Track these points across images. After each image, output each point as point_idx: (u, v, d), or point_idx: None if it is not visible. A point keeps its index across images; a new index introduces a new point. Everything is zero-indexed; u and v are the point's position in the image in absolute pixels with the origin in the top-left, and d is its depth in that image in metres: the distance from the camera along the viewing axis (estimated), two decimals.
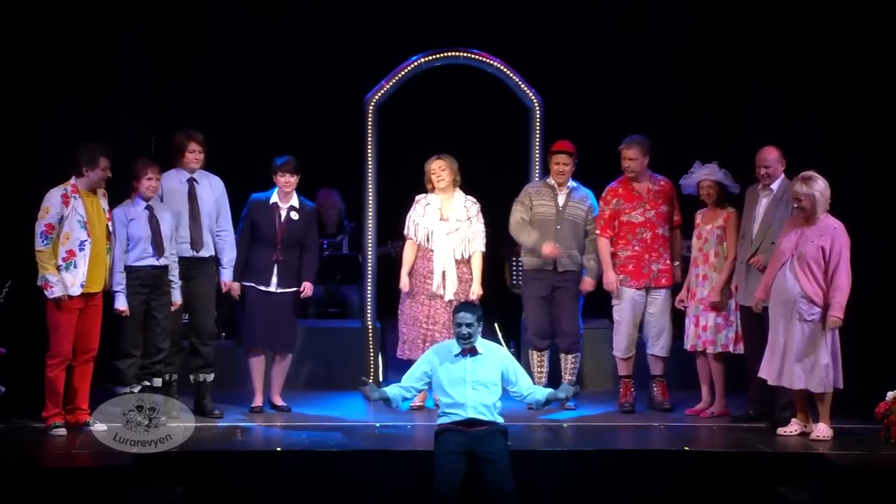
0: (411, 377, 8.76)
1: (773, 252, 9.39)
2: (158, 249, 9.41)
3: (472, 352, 8.60)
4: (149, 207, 9.42)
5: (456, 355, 8.61)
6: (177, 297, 9.57)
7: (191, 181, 9.77)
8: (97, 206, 9.22)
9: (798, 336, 9.13)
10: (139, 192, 9.41)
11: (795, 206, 9.21)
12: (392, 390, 8.74)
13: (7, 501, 8.18)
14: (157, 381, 9.53)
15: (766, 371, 9.31)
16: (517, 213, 10.25)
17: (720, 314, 9.91)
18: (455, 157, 10.23)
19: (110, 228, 9.28)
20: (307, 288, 10.03)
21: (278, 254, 9.92)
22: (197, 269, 9.76)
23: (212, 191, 9.84)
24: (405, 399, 8.82)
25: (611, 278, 10.17)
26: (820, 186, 9.18)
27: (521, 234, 10.22)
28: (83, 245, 9.11)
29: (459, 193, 10.20)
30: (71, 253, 9.09)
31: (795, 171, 9.49)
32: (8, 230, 9.78)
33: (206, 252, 9.78)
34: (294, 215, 9.96)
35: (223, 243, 9.85)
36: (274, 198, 9.98)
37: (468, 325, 8.56)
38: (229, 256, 9.86)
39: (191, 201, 9.72)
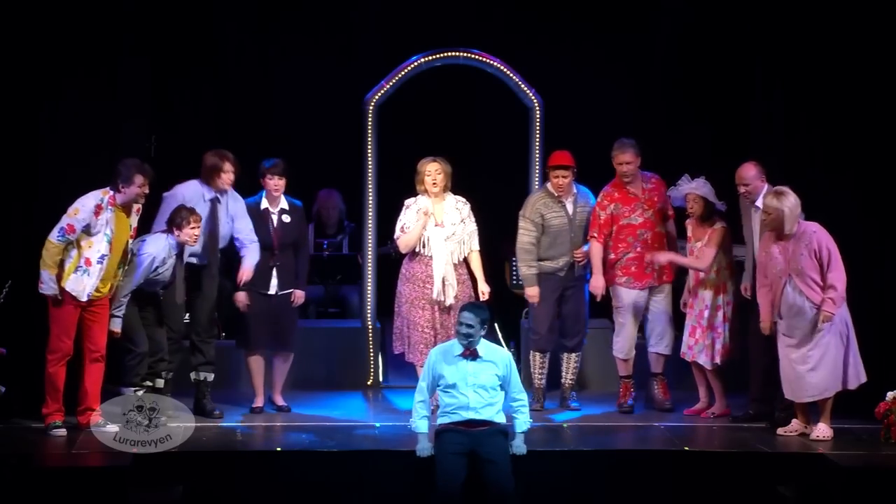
0: (423, 394, 8.66)
1: (760, 270, 9.36)
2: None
3: (473, 354, 8.59)
4: (180, 254, 9.46)
5: (456, 356, 8.60)
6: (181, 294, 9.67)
7: (214, 200, 9.73)
8: (125, 224, 9.19)
9: (822, 345, 9.14)
10: (180, 239, 9.39)
11: (762, 218, 9.24)
12: (423, 424, 8.62)
13: (7, 501, 8.18)
14: (160, 382, 9.54)
15: (796, 392, 9.26)
16: (527, 235, 10.13)
17: (715, 330, 9.89)
18: (455, 157, 10.21)
19: (131, 246, 9.25)
20: (298, 297, 10.05)
21: (276, 258, 9.93)
22: (196, 272, 9.78)
23: (232, 212, 9.81)
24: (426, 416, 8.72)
25: (599, 283, 10.13)
26: (790, 203, 9.15)
27: (523, 259, 10.13)
28: (102, 259, 9.07)
29: (450, 195, 10.13)
30: (88, 261, 9.05)
31: (796, 176, 9.49)
32: (8, 231, 9.78)
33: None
34: (286, 218, 9.97)
35: (251, 247, 9.84)
36: (263, 203, 9.98)
37: (469, 326, 8.53)
38: (252, 261, 9.82)
39: (212, 221, 9.68)
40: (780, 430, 9.42)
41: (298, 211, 10.08)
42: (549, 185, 10.22)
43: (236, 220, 9.84)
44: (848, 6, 10.57)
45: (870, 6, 10.53)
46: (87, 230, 9.02)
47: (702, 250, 9.87)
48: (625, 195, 10.17)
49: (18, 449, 8.77)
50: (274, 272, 9.94)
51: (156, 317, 9.52)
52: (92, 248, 9.06)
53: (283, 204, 10.01)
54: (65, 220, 9.01)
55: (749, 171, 9.67)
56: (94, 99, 10.31)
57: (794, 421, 9.41)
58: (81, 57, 10.26)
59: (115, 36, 10.41)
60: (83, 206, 9.03)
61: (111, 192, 9.11)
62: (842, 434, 9.29)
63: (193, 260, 9.71)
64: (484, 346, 8.62)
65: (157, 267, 9.33)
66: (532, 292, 10.12)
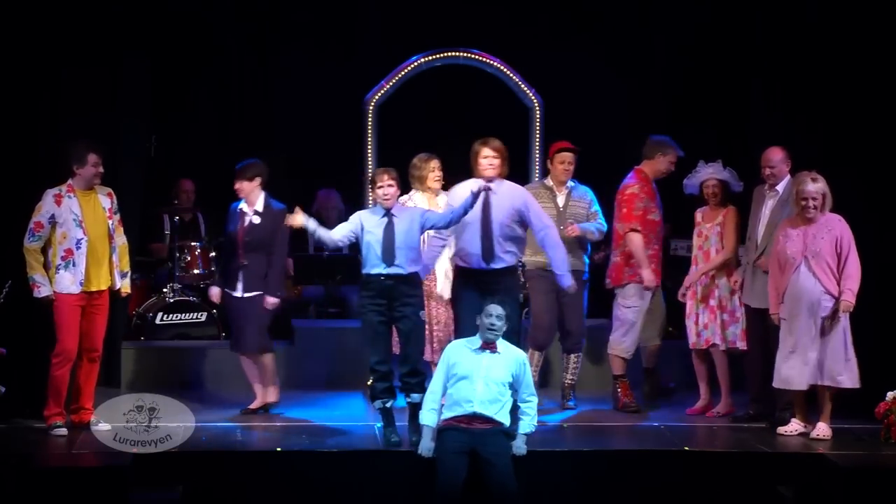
0: (436, 387, 8.63)
1: (774, 257, 9.37)
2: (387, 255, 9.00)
3: (493, 348, 8.59)
4: (388, 215, 9.07)
5: (475, 349, 8.59)
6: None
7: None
8: (95, 205, 9.25)
9: (828, 335, 9.14)
10: (375, 197, 9.16)
11: (806, 205, 9.19)
12: (430, 417, 8.58)
13: (7, 501, 8.18)
14: (390, 402, 9.10)
15: (797, 379, 9.24)
16: None
17: (726, 311, 9.91)
18: (455, 157, 10.22)
19: (111, 228, 9.30)
20: (269, 303, 9.85)
21: (242, 258, 9.85)
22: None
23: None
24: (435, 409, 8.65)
25: (650, 275, 10.05)
26: (825, 184, 9.22)
27: None
28: (80, 244, 9.14)
29: (443, 193, 10.17)
30: (69, 252, 9.13)
31: (796, 172, 9.49)
32: (7, 231, 9.78)
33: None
34: (256, 219, 9.85)
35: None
36: (242, 204, 9.92)
37: (498, 318, 8.55)
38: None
39: (484, 210, 9.31)
40: (780, 430, 9.42)
41: (272, 214, 9.83)
42: (546, 179, 10.22)
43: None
44: (848, 4, 10.56)
45: (869, 4, 10.53)
46: (55, 222, 9.10)
47: (726, 238, 9.86)
48: (651, 192, 10.19)
49: (18, 449, 8.77)
50: (240, 274, 9.87)
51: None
52: (67, 239, 9.13)
53: (259, 206, 9.85)
54: (31, 222, 9.13)
55: (776, 155, 9.69)
56: (95, 98, 10.30)
57: (793, 421, 9.41)
58: (82, 56, 10.24)
59: (116, 36, 10.40)
60: (44, 201, 9.16)
61: (69, 181, 9.19)
62: (842, 434, 9.29)
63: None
64: (501, 343, 8.63)
65: (367, 231, 8.99)
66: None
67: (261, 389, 9.98)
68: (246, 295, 9.86)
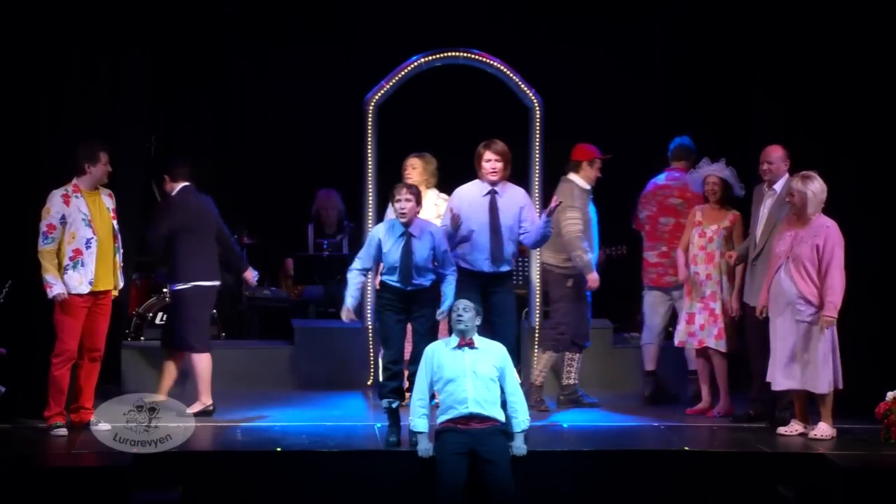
0: (421, 392, 8.64)
1: (771, 254, 9.40)
2: (405, 278, 9.04)
3: (470, 344, 8.58)
4: (406, 234, 9.03)
5: (454, 348, 8.59)
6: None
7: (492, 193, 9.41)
8: (101, 205, 9.26)
9: (799, 337, 9.14)
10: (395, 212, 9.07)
11: (787, 200, 9.24)
12: (422, 423, 8.58)
13: (7, 501, 8.18)
14: (395, 404, 9.06)
15: (770, 375, 9.30)
16: (579, 223, 10.03)
17: (711, 312, 9.91)
18: (455, 157, 10.21)
19: (115, 228, 9.30)
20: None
21: None
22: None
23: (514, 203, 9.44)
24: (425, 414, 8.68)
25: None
26: (815, 187, 9.20)
27: (580, 247, 9.98)
28: (90, 243, 9.14)
29: (432, 192, 10.14)
30: (77, 252, 9.12)
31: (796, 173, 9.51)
32: (8, 231, 9.79)
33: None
34: None
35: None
36: None
37: (465, 310, 8.56)
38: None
39: (492, 213, 9.37)
40: (780, 430, 9.43)
41: (173, 200, 9.83)
42: (577, 180, 10.12)
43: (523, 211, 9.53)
44: (848, 5, 10.56)
45: (870, 4, 10.52)
46: (65, 222, 9.09)
47: (738, 245, 9.91)
48: None
49: (18, 449, 8.78)
50: None
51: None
52: (76, 238, 9.12)
53: None
54: (43, 225, 9.11)
55: (775, 152, 9.71)
56: (95, 99, 10.29)
57: (794, 421, 9.41)
58: (82, 58, 10.24)
59: (117, 37, 10.39)
60: (52, 203, 9.13)
61: (74, 181, 9.19)
62: (842, 434, 9.29)
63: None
64: (478, 339, 8.64)
65: (388, 249, 8.97)
66: (594, 276, 10.04)
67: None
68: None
